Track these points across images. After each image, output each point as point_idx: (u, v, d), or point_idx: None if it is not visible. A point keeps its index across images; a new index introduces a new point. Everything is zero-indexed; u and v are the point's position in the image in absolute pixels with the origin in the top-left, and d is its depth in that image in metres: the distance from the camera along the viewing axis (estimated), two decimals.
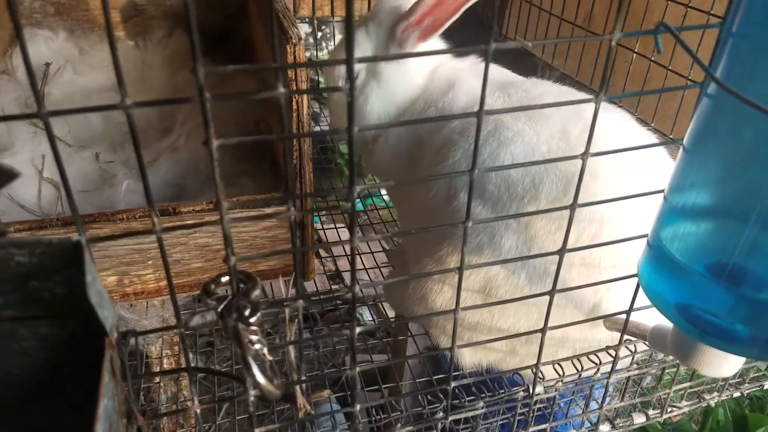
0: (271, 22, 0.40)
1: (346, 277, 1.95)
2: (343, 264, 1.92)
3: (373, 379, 0.98)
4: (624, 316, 0.66)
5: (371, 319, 2.28)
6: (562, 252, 0.55)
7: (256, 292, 0.48)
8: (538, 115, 0.74)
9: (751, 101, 0.40)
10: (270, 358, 0.46)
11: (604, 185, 0.70)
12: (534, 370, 0.64)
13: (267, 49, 1.07)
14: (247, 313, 0.46)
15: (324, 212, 1.43)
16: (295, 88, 0.78)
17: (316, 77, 1.81)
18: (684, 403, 0.75)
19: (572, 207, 0.53)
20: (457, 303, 0.55)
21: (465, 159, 0.77)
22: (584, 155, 0.51)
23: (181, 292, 0.92)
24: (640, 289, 0.60)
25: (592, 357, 0.72)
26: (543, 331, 0.61)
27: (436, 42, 0.97)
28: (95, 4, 1.18)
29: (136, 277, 0.88)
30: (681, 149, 0.52)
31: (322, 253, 1.98)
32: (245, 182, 0.99)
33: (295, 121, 0.82)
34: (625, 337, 0.68)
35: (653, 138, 0.79)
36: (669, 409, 0.74)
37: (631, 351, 0.74)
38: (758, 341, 0.51)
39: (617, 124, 0.77)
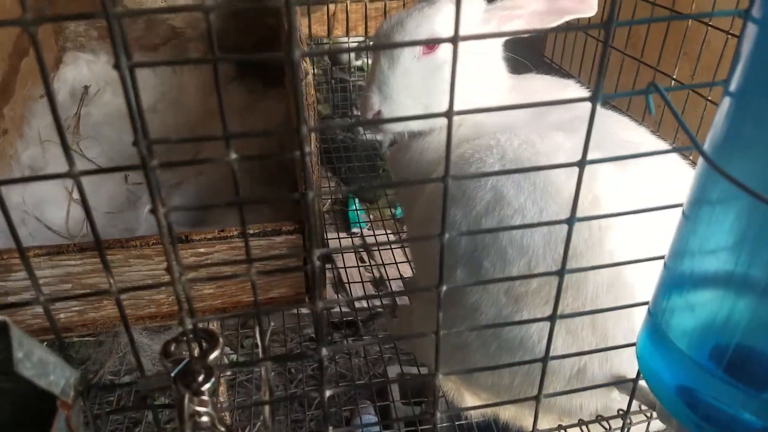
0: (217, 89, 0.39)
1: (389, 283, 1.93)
2: (392, 273, 1.92)
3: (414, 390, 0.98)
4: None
5: None
6: (553, 319, 0.52)
7: (216, 354, 0.47)
8: (545, 184, 0.69)
9: (738, 182, 0.35)
10: (222, 429, 0.44)
11: (602, 253, 0.67)
12: None
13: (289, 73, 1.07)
14: (200, 379, 0.45)
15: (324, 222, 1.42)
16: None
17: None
18: None
19: (560, 272, 0.49)
20: (437, 369, 0.52)
21: (464, 220, 0.73)
22: (570, 221, 0.47)
23: (195, 317, 0.92)
24: None
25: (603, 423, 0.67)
26: (537, 398, 0.57)
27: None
28: (137, 27, 1.21)
29: (150, 301, 0.89)
30: (681, 213, 0.47)
31: (364, 258, 1.98)
32: (263, 208, 0.99)
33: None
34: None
35: (685, 176, 0.74)
36: None
37: (647, 417, 0.68)
38: None
39: (633, 176, 0.71)
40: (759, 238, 0.41)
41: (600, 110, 0.85)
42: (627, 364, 0.66)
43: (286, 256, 0.77)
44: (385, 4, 1.24)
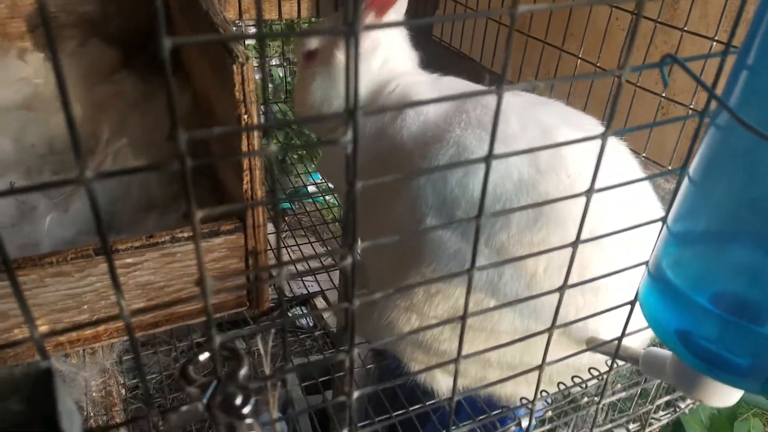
0: None
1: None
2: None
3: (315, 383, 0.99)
4: (607, 339, 0.65)
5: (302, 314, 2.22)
6: (562, 290, 0.52)
7: (244, 371, 0.42)
8: (504, 136, 0.71)
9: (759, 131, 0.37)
10: None
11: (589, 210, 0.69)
12: (531, 406, 0.61)
13: (197, 56, 0.98)
14: (238, 401, 0.39)
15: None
16: (245, 116, 0.70)
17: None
18: (661, 413, 0.75)
19: (575, 244, 0.50)
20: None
21: (431, 186, 0.75)
22: (588, 192, 0.47)
23: (121, 336, 0.82)
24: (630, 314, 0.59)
25: (577, 379, 0.71)
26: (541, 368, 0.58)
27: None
28: None
29: (71, 323, 0.78)
30: (686, 179, 0.50)
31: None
32: (183, 206, 0.90)
33: (245, 142, 0.74)
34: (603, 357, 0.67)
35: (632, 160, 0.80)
36: (650, 422, 0.73)
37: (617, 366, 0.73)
38: (761, 374, 0.50)
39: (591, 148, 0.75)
40: None
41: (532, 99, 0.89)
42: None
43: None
44: None
